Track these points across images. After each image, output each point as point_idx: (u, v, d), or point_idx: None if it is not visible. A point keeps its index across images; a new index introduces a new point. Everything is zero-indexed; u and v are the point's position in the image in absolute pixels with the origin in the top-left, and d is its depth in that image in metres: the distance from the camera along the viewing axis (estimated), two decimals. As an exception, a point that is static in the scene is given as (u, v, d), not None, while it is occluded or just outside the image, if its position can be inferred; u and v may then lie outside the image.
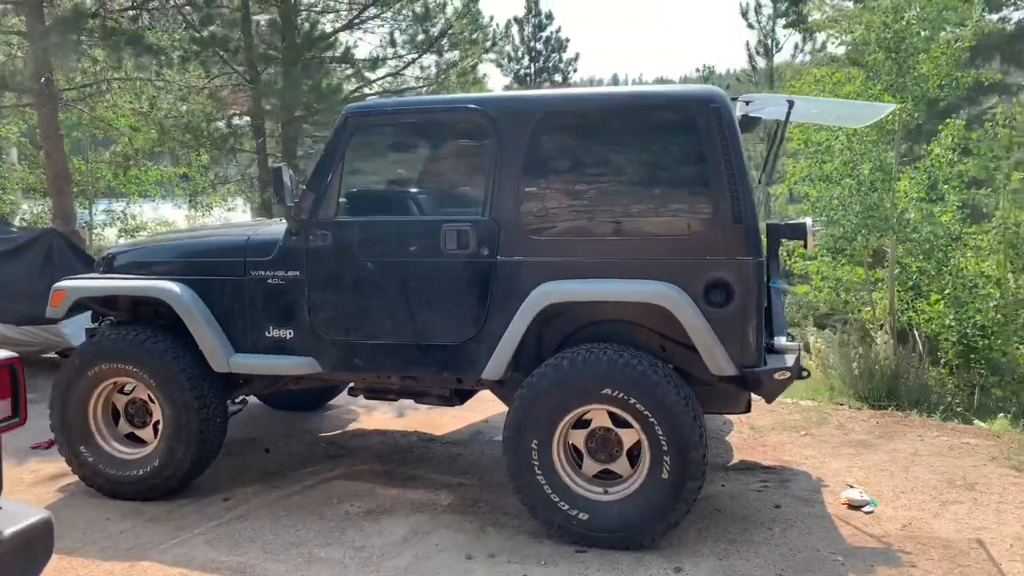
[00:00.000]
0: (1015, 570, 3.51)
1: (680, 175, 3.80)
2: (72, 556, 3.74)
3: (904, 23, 7.46)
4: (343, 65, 9.47)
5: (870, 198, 7.19)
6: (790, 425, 5.66)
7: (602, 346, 3.75)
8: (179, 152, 11.62)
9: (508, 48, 36.07)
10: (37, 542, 2.32)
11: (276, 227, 4.48)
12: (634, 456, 3.78)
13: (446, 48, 9.72)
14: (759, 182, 5.18)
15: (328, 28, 9.44)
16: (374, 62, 9.62)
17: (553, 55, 36.51)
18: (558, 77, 36.58)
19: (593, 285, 3.78)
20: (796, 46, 26.96)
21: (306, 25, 9.60)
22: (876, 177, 7.25)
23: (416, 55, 9.69)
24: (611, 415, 3.77)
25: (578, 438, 3.86)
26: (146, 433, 4.48)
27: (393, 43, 9.52)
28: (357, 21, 9.48)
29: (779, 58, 25.49)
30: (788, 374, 3.72)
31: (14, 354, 2.42)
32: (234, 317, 4.34)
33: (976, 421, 5.92)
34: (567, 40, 36.83)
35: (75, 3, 8.07)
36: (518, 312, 3.84)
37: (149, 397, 4.41)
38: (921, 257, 7.93)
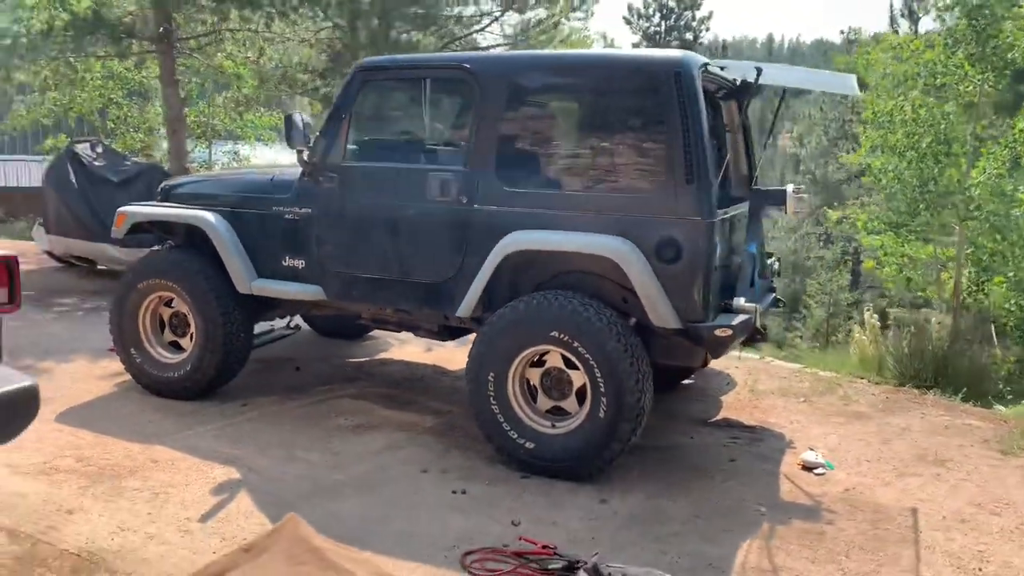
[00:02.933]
0: (932, 539, 3.58)
1: (642, 136, 4.00)
2: (104, 435, 4.47)
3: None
4: (429, 22, 9.88)
5: (929, 172, 6.92)
6: (794, 391, 5.73)
7: (557, 293, 4.05)
8: (285, 99, 12.53)
9: (639, 5, 35.51)
10: (20, 404, 2.91)
11: (299, 170, 4.99)
12: (582, 396, 4.07)
13: (532, 4, 9.95)
14: (763, 147, 5.21)
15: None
16: (458, 18, 10.01)
17: (686, 13, 35.57)
18: (688, 36, 35.64)
19: (551, 236, 4.07)
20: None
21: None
22: (939, 150, 6.96)
23: (499, 12, 9.98)
24: (564, 357, 4.07)
25: (535, 375, 4.20)
26: (185, 342, 5.17)
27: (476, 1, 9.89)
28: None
29: (924, 24, 23.80)
30: (730, 332, 3.89)
31: (12, 252, 3.02)
32: (258, 246, 4.92)
33: (997, 406, 5.74)
34: (701, -3, 35.70)
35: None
36: (488, 257, 4.19)
37: (188, 310, 5.08)
38: (997, 237, 7.55)
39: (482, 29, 10.37)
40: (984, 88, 7.21)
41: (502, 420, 4.15)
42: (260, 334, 6.04)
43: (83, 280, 9.08)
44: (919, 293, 8.54)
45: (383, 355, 6.38)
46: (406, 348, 6.56)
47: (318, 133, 4.66)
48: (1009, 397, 6.93)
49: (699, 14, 36.11)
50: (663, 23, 36.20)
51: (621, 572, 2.93)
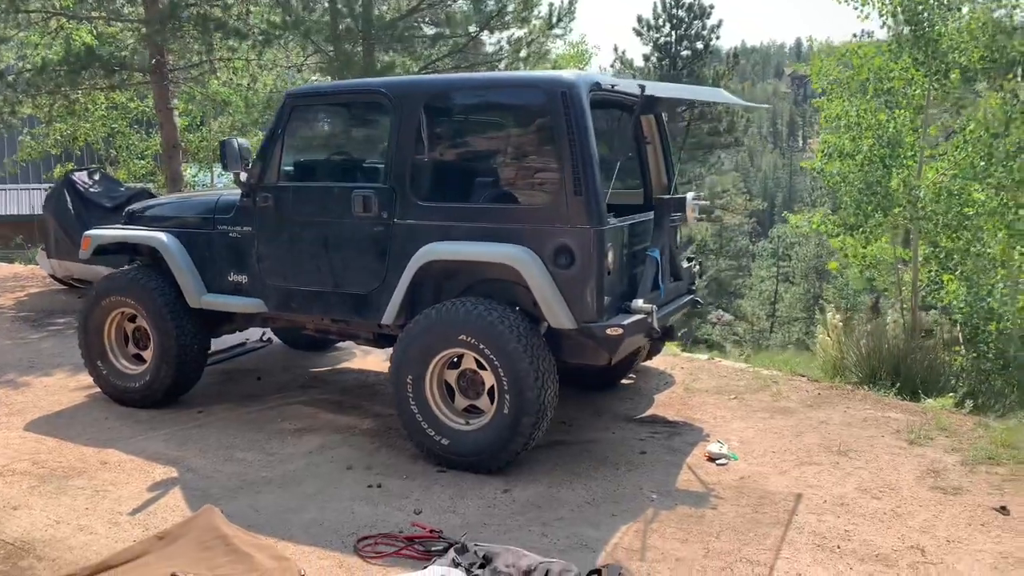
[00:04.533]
0: (805, 520, 3.82)
1: (537, 152, 4.32)
2: (65, 441, 4.87)
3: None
4: (406, 45, 10.28)
5: (872, 174, 7.12)
6: (728, 389, 5.96)
7: (465, 300, 4.36)
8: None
9: (648, 16, 35.77)
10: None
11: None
12: (493, 394, 4.37)
13: (507, 24, 10.29)
14: (678, 160, 5.48)
15: (391, 15, 10.27)
16: (433, 40, 10.40)
17: (696, 22, 35.74)
18: (699, 45, 35.82)
19: (459, 247, 4.39)
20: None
21: (382, 8, 10.49)
22: (883, 153, 7.15)
23: (473, 33, 10.33)
24: (476, 359, 4.38)
25: (452, 376, 4.51)
26: (148, 354, 5.55)
27: (450, 23, 10.24)
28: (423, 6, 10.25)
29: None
30: (620, 331, 4.17)
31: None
32: (207, 263, 5.30)
33: (928, 400, 5.90)
34: (711, 6, 35.91)
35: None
36: (405, 268, 4.52)
37: (147, 325, 5.47)
38: (950, 235, 7.72)
39: (460, 50, 10.73)
40: (931, 91, 7.39)
41: (420, 419, 4.45)
42: (233, 347, 6.46)
43: (80, 300, 9.56)
44: (884, 292, 8.69)
45: (344, 365, 6.72)
46: (367, 359, 6.89)
47: (255, 156, 5.04)
48: (962, 389, 7.08)
49: (709, 22, 36.26)
50: (673, 33, 36.33)
51: (485, 549, 3.22)
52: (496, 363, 4.20)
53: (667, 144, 5.38)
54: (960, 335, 7.59)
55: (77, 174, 9.69)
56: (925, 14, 7.09)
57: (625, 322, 4.21)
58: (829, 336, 8.57)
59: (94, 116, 13.20)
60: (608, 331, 4.17)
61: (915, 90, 7.58)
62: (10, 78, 10.22)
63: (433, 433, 4.43)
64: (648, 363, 6.37)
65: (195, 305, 5.29)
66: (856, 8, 7.23)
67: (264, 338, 6.84)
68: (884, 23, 7.59)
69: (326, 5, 10.89)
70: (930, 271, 8.03)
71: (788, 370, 6.58)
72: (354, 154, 5.11)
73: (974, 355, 7.84)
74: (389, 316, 4.62)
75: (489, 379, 4.35)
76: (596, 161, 4.16)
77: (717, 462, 4.53)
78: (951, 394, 6.04)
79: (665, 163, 5.41)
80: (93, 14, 9.59)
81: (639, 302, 4.38)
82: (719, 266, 35.33)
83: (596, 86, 4.31)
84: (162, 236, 5.36)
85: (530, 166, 4.33)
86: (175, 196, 6.19)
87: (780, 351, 28.94)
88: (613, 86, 4.39)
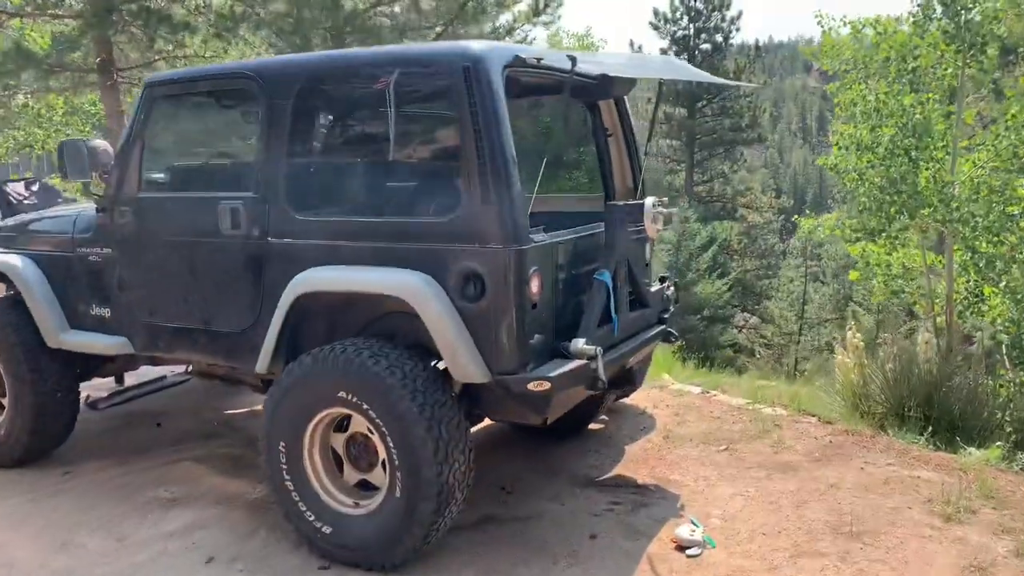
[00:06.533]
0: (797, 656, 2.73)
1: (438, 148, 3.29)
2: None
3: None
4: (374, 36, 9.30)
5: (895, 169, 5.96)
6: (719, 436, 4.86)
7: (347, 343, 3.33)
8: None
9: (664, 8, 34.40)
10: None
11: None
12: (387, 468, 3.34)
13: (484, 14, 9.25)
14: (646, 153, 4.41)
15: (361, 6, 9.29)
16: (401, 31, 9.38)
17: (714, 14, 34.34)
18: (719, 38, 34.42)
19: (337, 273, 3.36)
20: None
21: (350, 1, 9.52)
22: (908, 144, 5.98)
23: (443, 25, 9.30)
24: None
25: (340, 441, 3.48)
26: (7, 402, 4.59)
27: (418, 10, 9.24)
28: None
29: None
30: (547, 385, 3.10)
31: None
32: (68, 293, 4.33)
33: (968, 448, 4.74)
34: (729, -4, 34.41)
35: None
36: (279, 301, 3.50)
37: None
38: (991, 239, 6.53)
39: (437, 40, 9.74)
40: (964, 70, 6.21)
41: (297, 499, 3.43)
42: (151, 381, 5.47)
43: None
44: (913, 306, 7.51)
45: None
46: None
47: (113, 161, 4.05)
48: (1008, 430, 5.90)
49: (729, 14, 34.91)
50: (691, 26, 35.11)
51: None
52: (384, 429, 3.17)
53: (631, 137, 4.30)
54: (1006, 358, 6.39)
55: (12, 184, 8.83)
56: (956, -23, 5.93)
57: (554, 373, 3.14)
58: (848, 358, 7.40)
59: (49, 122, 12.38)
60: (530, 386, 3.11)
61: (945, 69, 6.40)
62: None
63: (313, 518, 3.40)
64: (628, 400, 5.31)
65: (54, 344, 4.31)
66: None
67: (189, 369, 5.87)
68: (908, -10, 6.43)
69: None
70: (967, 281, 6.83)
71: (795, 408, 5.45)
72: (226, 156, 4.11)
73: (1023, 383, 6.64)
74: (263, 362, 3.60)
75: (382, 448, 3.31)
76: (512, 159, 3.10)
77: (688, 552, 3.45)
78: (997, 444, 4.87)
79: (630, 160, 4.33)
80: (27, 8, 8.72)
81: (579, 343, 3.31)
82: (744, 266, 33.95)
83: (517, 60, 3.25)
84: (15, 260, 4.40)
85: (430, 167, 3.30)
86: (47, 213, 5.25)
87: (805, 360, 27.64)
88: (540, 60, 3.32)
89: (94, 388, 5.23)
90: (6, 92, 9.85)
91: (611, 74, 3.77)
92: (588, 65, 3.73)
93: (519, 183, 3.11)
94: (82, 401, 4.72)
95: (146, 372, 5.29)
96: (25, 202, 8.63)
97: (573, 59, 3.15)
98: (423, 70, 3.27)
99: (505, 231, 3.07)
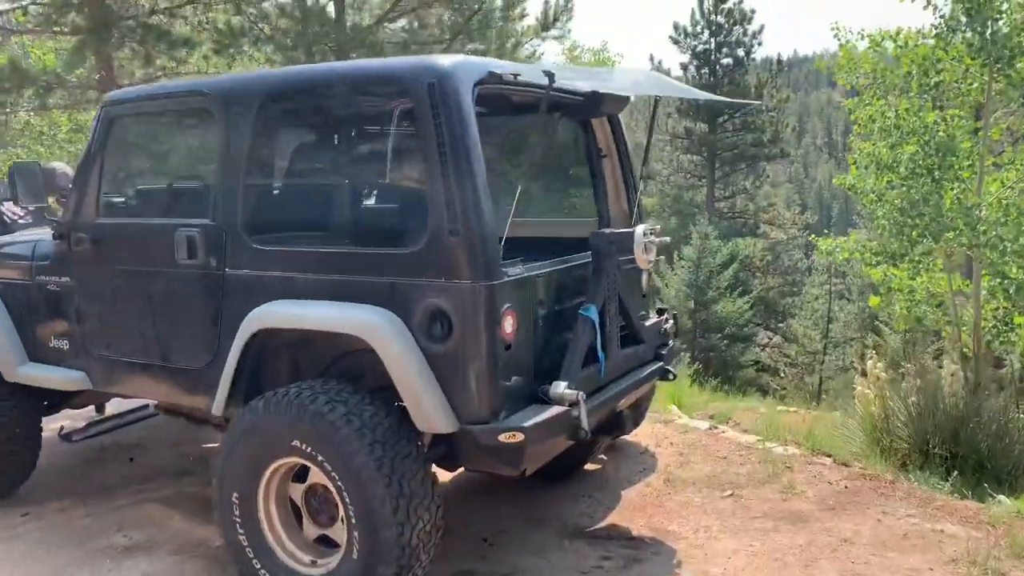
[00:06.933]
0: None
1: (402, 173, 2.98)
2: None
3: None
4: (377, 52, 9.09)
5: (916, 190, 5.58)
6: (724, 480, 4.49)
7: (303, 387, 3.03)
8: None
9: (685, 22, 34.05)
10: None
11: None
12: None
13: (491, 26, 9.00)
14: (642, 176, 4.09)
15: (367, 21, 9.09)
16: (406, 47, 9.14)
17: (736, 28, 33.93)
18: (740, 52, 33.98)
19: (294, 309, 3.07)
20: None
21: (354, 17, 9.34)
22: (930, 163, 5.61)
23: (448, 40, 9.06)
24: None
25: (298, 492, 3.18)
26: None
27: (423, 25, 9.01)
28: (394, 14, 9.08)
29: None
30: (520, 436, 2.78)
31: None
32: (27, 324, 4.09)
33: (997, 497, 4.34)
34: (752, 11, 34.04)
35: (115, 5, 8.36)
36: (235, 337, 3.22)
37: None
38: (1022, 264, 6.12)
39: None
40: (992, 85, 5.83)
41: (252, 556, 3.14)
42: (129, 411, 5.21)
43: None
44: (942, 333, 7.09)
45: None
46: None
47: (70, 185, 3.81)
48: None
49: (751, 28, 34.50)
50: (712, 40, 34.73)
51: None
52: (340, 484, 2.86)
53: (627, 158, 3.99)
54: (1014, 385, 5.98)
55: (6, 203, 8.65)
56: (980, -13, 5.56)
57: (528, 423, 2.82)
58: (869, 389, 6.99)
59: (53, 139, 12.29)
60: (500, 437, 2.79)
61: (971, 84, 6.03)
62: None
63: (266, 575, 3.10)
64: (629, 436, 4.96)
65: (11, 379, 4.08)
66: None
67: (156, 405, 5.59)
68: (929, 2, 6.04)
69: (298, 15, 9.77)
70: (996, 308, 6.41)
71: (808, 447, 5.07)
72: (185, 179, 3.85)
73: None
74: (218, 404, 3.32)
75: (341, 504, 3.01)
76: (483, 186, 2.80)
77: (680, 621, 3.10)
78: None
79: (625, 182, 4.01)
80: (28, 25, 8.63)
81: (560, 387, 2.99)
82: (767, 284, 33.38)
83: (490, 77, 2.96)
84: (-28, 288, 4.16)
85: (394, 193, 3.00)
86: (16, 235, 5.02)
87: (829, 379, 26.96)
88: (517, 76, 3.02)
89: (73, 417, 5.00)
90: (8, 110, 9.76)
91: (601, 91, 3.47)
92: (578, 82, 3.43)
93: (490, 211, 2.80)
94: (56, 432, 4.50)
95: (128, 401, 5.04)
96: (20, 222, 8.45)
97: (551, 75, 2.85)
98: (386, 88, 2.99)
99: (474, 265, 2.77)
